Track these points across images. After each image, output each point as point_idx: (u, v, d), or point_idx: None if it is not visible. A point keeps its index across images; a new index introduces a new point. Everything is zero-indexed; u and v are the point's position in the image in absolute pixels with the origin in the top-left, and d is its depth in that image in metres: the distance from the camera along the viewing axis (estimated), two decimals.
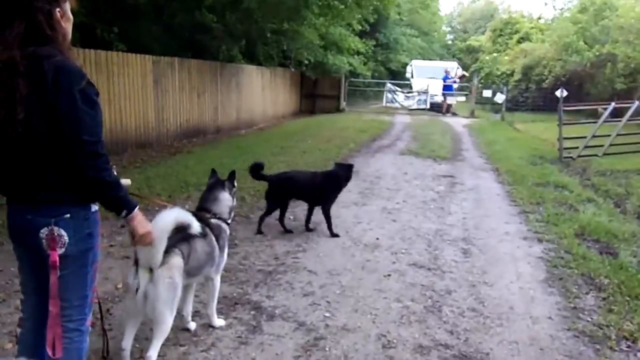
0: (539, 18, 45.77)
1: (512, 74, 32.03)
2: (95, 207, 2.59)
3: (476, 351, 3.87)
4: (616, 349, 3.98)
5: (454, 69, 30.02)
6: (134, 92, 11.62)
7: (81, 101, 2.35)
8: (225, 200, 4.01)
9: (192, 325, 3.97)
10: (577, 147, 13.36)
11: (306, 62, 21.59)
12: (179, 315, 3.93)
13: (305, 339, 3.93)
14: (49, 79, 2.30)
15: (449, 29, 72.00)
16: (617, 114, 14.22)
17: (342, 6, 16.23)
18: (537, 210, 7.96)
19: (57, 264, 2.45)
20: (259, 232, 6.38)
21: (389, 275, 5.28)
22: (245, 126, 17.80)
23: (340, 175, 6.58)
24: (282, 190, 6.50)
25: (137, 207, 2.59)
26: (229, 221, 4.07)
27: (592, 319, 4.43)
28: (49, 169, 2.42)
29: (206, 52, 16.03)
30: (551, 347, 3.97)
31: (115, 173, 2.90)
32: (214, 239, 3.79)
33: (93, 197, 2.53)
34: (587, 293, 4.97)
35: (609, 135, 13.31)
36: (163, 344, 3.46)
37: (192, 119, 14.33)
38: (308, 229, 6.57)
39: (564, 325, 4.32)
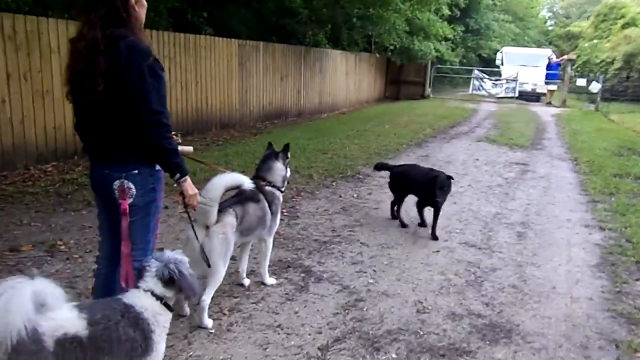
0: None
1: (612, 62, 30.49)
2: (159, 167, 3.07)
3: (507, 322, 4.08)
4: None
5: (545, 57, 29.00)
6: (219, 74, 12.27)
7: (149, 75, 2.81)
8: (279, 169, 4.41)
9: (246, 281, 4.43)
10: None
11: (391, 47, 21.66)
12: (235, 271, 4.43)
13: (346, 300, 4.30)
14: (122, 56, 2.77)
15: (550, 14, 69.00)
16: None
17: None
18: (607, 200, 7.84)
19: (127, 211, 2.95)
20: (394, 218, 6.45)
21: (438, 251, 5.53)
22: (328, 110, 18.24)
23: (439, 183, 5.81)
24: (396, 182, 6.47)
25: (188, 174, 3.05)
26: (283, 189, 4.47)
27: (634, 302, 4.50)
28: (121, 133, 2.90)
29: (292, 37, 16.57)
30: (584, 325, 4.10)
31: (179, 141, 3.40)
32: (266, 204, 4.22)
33: (154, 160, 3.00)
34: (637, 279, 5.00)
35: None
36: (218, 295, 3.96)
37: (275, 101, 14.89)
38: (421, 224, 6.27)
39: (604, 306, 4.42)
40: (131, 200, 2.96)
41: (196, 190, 3.16)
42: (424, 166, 6.61)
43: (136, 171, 2.96)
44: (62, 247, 4.98)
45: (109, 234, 3.18)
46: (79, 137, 3.11)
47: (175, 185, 3.08)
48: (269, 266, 4.54)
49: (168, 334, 3.53)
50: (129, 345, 2.45)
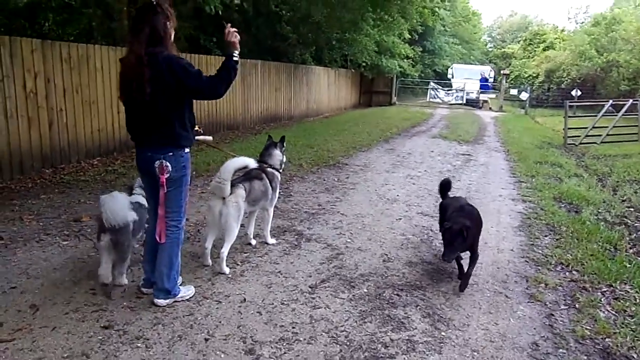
0: (562, 30, 43.87)
1: (537, 76, 31.20)
2: (187, 150, 3.34)
3: (450, 267, 4.39)
4: (552, 269, 4.42)
5: (487, 71, 29.54)
6: None
7: (188, 67, 3.13)
8: (277, 155, 4.67)
9: (253, 242, 4.69)
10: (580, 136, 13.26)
11: (364, 64, 21.91)
12: (244, 235, 4.69)
13: (329, 254, 4.59)
14: (163, 66, 3.05)
15: (489, 38, 69.63)
16: (621, 109, 13.90)
17: (391, 19, 16.51)
18: (530, 180, 8.20)
19: (164, 184, 3.22)
20: None
21: (400, 218, 5.83)
22: (313, 115, 18.43)
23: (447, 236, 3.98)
24: (440, 215, 4.77)
25: (232, 55, 3.24)
26: (281, 170, 4.73)
27: (542, 251, 4.85)
28: (162, 125, 3.18)
29: (284, 56, 16.73)
30: (505, 267, 4.45)
31: (201, 131, 3.68)
32: (268, 182, 4.47)
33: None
34: (546, 236, 5.36)
35: (607, 127, 13.12)
36: (232, 251, 4.22)
37: (270, 108, 15.06)
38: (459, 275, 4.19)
39: (521, 255, 4.77)
40: (168, 175, 3.22)
41: (227, 35, 3.28)
42: (464, 204, 4.39)
43: (171, 153, 3.23)
44: None
45: (154, 202, 3.43)
46: (129, 132, 3.35)
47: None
48: (270, 231, 4.79)
49: (196, 278, 3.85)
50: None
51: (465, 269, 4.03)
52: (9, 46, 6.38)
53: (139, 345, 2.93)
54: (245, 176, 4.27)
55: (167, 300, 3.42)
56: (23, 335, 2.95)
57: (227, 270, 3.98)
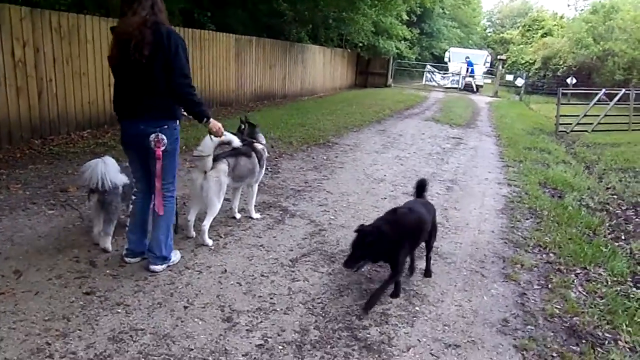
0: (561, 17, 43.61)
1: (534, 63, 31.18)
2: (178, 122, 3.39)
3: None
4: (529, 251, 4.52)
5: (483, 56, 29.44)
6: (220, 63, 12.33)
7: (182, 51, 3.16)
8: (260, 134, 4.72)
9: (238, 215, 4.76)
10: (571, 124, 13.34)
11: (360, 44, 21.76)
12: (230, 209, 4.75)
13: (312, 229, 4.66)
14: (164, 37, 3.08)
15: (489, 22, 69.12)
16: (613, 98, 13.97)
17: None
18: (517, 165, 8.29)
19: (161, 157, 3.27)
20: None
21: (385, 198, 5.91)
22: (308, 94, 18.33)
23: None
24: None
25: (206, 119, 3.36)
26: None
27: (522, 234, 4.95)
28: (157, 96, 3.20)
29: (280, 34, 16.57)
30: (484, 247, 4.55)
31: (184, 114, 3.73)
32: (256, 159, 4.52)
33: (187, 110, 3.33)
34: (527, 219, 5.46)
35: (598, 115, 13.20)
36: (216, 224, 4.30)
37: (264, 85, 14.98)
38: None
39: (501, 236, 4.87)
40: (164, 148, 3.27)
41: (219, 124, 3.50)
42: (401, 207, 3.90)
43: (166, 126, 3.28)
44: None
45: (143, 175, 3.48)
46: (116, 105, 3.35)
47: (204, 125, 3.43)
48: (255, 206, 4.85)
49: (179, 249, 3.91)
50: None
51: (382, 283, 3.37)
52: None
53: (119, 310, 3.01)
54: (232, 151, 4.30)
55: (163, 266, 3.54)
56: (6, 299, 3.02)
57: (209, 242, 4.05)
